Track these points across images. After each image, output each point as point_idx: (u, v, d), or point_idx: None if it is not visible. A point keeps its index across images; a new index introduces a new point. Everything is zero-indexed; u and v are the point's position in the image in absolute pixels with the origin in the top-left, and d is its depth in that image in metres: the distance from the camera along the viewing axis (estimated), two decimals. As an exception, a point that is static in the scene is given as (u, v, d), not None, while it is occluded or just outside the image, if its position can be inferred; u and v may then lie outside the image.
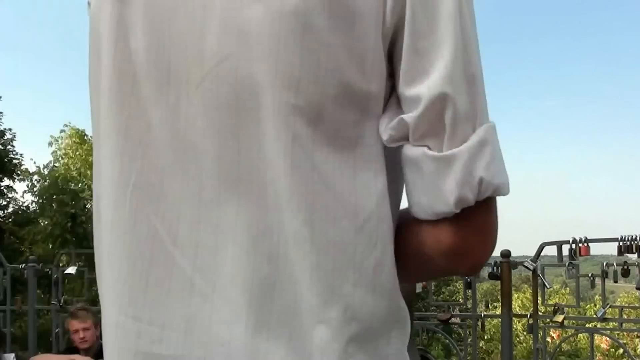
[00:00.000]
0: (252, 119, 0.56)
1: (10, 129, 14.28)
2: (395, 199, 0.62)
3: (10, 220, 13.69)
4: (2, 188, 14.15)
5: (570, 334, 4.37)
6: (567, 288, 14.74)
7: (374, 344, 0.59)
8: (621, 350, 8.18)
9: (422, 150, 0.55)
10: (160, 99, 0.60)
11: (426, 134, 0.55)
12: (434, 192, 0.55)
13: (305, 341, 0.57)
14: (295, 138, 0.55)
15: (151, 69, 0.60)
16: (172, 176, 0.60)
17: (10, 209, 14.30)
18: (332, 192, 0.56)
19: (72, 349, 3.59)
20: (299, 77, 0.55)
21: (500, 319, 3.78)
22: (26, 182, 14.23)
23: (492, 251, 0.60)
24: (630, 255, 3.32)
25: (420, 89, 0.54)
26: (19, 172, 14.19)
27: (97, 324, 3.70)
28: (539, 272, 3.53)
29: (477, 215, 0.56)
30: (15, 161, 14.25)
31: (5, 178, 14.21)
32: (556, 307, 3.62)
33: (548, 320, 3.67)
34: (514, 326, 7.89)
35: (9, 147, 14.21)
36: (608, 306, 3.40)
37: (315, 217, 0.56)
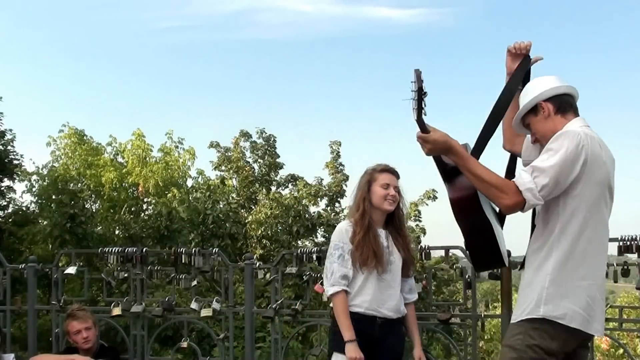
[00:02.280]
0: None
1: (10, 130, 14.27)
2: None
3: (10, 220, 13.66)
4: (2, 188, 14.12)
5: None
6: (567, 288, 14.67)
7: None
8: (621, 351, 8.17)
9: None
10: (608, 203, 2.21)
11: None
12: None
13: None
14: None
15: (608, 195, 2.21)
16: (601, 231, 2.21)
17: (10, 209, 14.27)
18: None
19: (72, 349, 3.58)
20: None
21: (500, 319, 3.76)
22: (25, 182, 14.21)
23: None
24: (630, 255, 3.31)
25: None
26: (19, 172, 14.15)
27: (96, 323, 3.69)
28: (539, 272, 3.52)
29: None
30: (15, 162, 14.22)
31: (6, 179, 14.19)
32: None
33: (548, 320, 3.65)
34: (514, 326, 7.79)
35: (9, 147, 14.19)
36: (608, 306, 3.39)
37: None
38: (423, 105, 2.15)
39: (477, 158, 2.27)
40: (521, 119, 2.41)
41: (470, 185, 2.24)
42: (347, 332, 2.72)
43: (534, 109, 2.34)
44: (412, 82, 2.14)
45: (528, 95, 2.38)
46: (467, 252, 2.53)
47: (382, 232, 2.88)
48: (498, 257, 2.39)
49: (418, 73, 2.13)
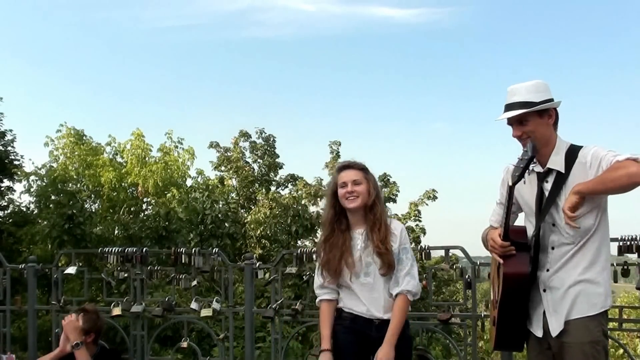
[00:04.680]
0: None
1: (10, 130, 14.26)
2: None
3: (9, 220, 13.65)
4: (2, 189, 14.11)
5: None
6: (567, 288, 14.66)
7: None
8: (621, 351, 8.17)
9: None
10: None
11: None
12: None
13: None
14: None
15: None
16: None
17: (9, 210, 14.26)
18: None
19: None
20: None
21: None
22: (23, 183, 14.20)
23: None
24: (630, 255, 3.31)
25: None
26: (17, 172, 14.14)
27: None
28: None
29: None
30: (15, 162, 14.22)
31: (6, 179, 14.18)
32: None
33: (548, 320, 3.65)
34: (514, 326, 7.77)
35: (9, 148, 14.18)
36: (608, 306, 3.39)
37: None
38: (525, 175, 2.32)
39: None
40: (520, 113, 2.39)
41: (525, 263, 2.44)
42: (323, 341, 2.74)
43: (541, 111, 2.39)
44: (525, 150, 2.28)
45: (538, 94, 2.40)
46: (495, 326, 2.58)
47: (358, 234, 2.75)
48: (520, 342, 2.56)
49: (534, 145, 2.27)
